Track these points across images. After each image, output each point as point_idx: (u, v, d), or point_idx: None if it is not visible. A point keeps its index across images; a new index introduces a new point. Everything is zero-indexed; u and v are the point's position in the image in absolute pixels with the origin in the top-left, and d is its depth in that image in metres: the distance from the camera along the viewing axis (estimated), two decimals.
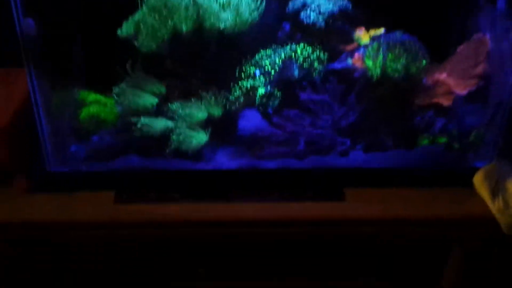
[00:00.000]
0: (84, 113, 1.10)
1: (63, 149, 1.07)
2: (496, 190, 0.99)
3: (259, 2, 1.07)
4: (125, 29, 1.07)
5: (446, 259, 1.05)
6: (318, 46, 1.09)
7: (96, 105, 1.10)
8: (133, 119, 1.05)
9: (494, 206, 0.97)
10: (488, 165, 1.03)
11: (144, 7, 1.05)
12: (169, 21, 1.05)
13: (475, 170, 1.02)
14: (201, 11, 1.05)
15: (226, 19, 1.06)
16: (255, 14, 1.07)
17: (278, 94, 1.09)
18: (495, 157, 1.05)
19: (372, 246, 1.06)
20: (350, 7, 1.11)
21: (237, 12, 1.06)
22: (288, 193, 1.03)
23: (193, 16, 1.05)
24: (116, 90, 1.08)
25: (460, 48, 1.09)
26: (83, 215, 0.98)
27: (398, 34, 1.08)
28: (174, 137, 1.05)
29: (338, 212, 0.99)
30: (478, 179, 1.01)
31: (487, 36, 1.06)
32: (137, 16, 1.06)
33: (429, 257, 1.06)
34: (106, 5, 1.06)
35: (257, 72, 1.10)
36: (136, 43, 1.07)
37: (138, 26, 1.06)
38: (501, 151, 1.05)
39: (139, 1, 1.05)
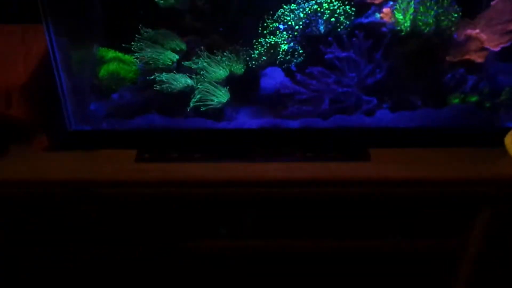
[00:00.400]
0: (103, 70, 1.08)
1: (84, 107, 1.06)
2: None
3: None
4: None
5: (473, 221, 1.03)
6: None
7: (115, 62, 1.08)
8: (153, 77, 1.03)
9: None
10: None
11: None
12: None
13: (506, 130, 0.98)
14: None
15: None
16: None
17: (302, 50, 1.06)
18: None
19: (398, 207, 1.04)
20: None
21: None
22: (312, 153, 1.01)
23: None
24: (135, 46, 1.06)
25: (494, 2, 1.04)
26: (104, 174, 0.98)
27: None
28: (195, 95, 1.02)
29: (363, 172, 0.97)
30: (510, 139, 0.98)
31: None
32: None
33: (456, 218, 1.04)
34: None
35: (280, 27, 1.06)
36: None
37: None
38: None
39: None
